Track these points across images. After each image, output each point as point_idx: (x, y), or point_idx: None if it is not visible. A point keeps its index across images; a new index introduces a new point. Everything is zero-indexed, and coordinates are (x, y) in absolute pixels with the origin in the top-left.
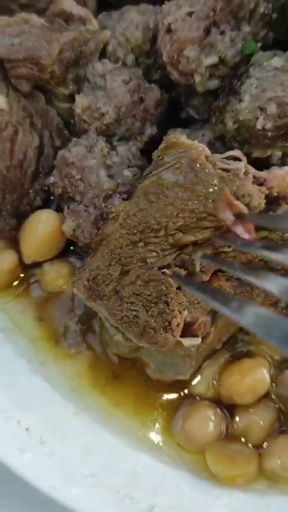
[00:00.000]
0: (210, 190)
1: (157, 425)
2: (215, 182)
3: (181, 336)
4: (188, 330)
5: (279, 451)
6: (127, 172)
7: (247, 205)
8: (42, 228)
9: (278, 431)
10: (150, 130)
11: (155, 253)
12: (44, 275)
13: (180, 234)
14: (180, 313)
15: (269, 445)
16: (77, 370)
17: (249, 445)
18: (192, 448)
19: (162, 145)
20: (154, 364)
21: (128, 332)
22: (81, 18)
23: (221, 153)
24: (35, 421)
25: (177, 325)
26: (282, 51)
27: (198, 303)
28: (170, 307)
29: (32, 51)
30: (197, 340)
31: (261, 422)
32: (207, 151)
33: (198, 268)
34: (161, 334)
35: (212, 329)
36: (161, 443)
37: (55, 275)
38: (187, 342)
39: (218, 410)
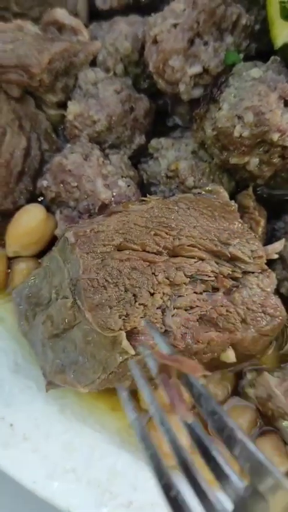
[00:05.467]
0: (231, 228)
1: None
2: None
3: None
4: (129, 335)
5: None
6: (121, 183)
7: None
8: (27, 220)
9: (257, 433)
10: (139, 139)
11: (156, 247)
12: (15, 272)
13: (186, 240)
14: (141, 316)
15: None
16: None
17: None
18: None
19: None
20: (60, 362)
21: (85, 297)
22: (73, 29)
23: (205, 161)
24: (19, 418)
25: (134, 322)
26: (263, 62)
27: (155, 320)
28: (136, 302)
29: (23, 59)
30: (132, 351)
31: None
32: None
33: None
34: (115, 318)
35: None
36: None
37: (25, 273)
38: (126, 343)
39: None
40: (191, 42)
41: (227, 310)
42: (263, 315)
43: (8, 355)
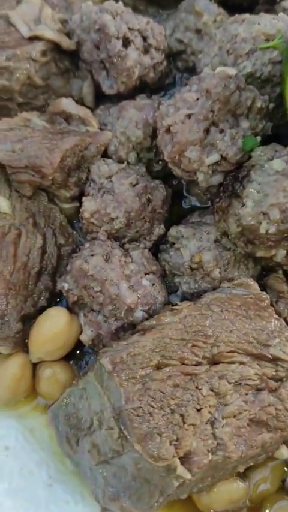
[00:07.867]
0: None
1: None
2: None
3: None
4: (183, 459)
5: None
6: (145, 282)
7: None
8: (50, 325)
9: None
10: (158, 229)
11: (195, 358)
12: (41, 379)
13: (225, 347)
14: (192, 435)
15: None
16: None
17: None
18: None
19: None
20: (114, 488)
21: (132, 428)
22: (81, 118)
23: (228, 249)
24: None
25: (186, 446)
26: (280, 145)
27: (206, 436)
28: (185, 423)
29: (34, 159)
30: (188, 475)
31: None
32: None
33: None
34: (166, 446)
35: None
36: None
37: (52, 380)
38: (181, 469)
39: None
40: (207, 131)
41: (275, 409)
42: None
43: (41, 468)
